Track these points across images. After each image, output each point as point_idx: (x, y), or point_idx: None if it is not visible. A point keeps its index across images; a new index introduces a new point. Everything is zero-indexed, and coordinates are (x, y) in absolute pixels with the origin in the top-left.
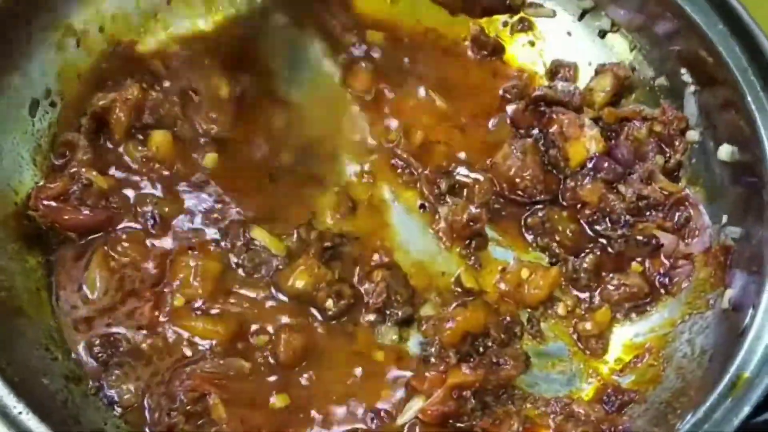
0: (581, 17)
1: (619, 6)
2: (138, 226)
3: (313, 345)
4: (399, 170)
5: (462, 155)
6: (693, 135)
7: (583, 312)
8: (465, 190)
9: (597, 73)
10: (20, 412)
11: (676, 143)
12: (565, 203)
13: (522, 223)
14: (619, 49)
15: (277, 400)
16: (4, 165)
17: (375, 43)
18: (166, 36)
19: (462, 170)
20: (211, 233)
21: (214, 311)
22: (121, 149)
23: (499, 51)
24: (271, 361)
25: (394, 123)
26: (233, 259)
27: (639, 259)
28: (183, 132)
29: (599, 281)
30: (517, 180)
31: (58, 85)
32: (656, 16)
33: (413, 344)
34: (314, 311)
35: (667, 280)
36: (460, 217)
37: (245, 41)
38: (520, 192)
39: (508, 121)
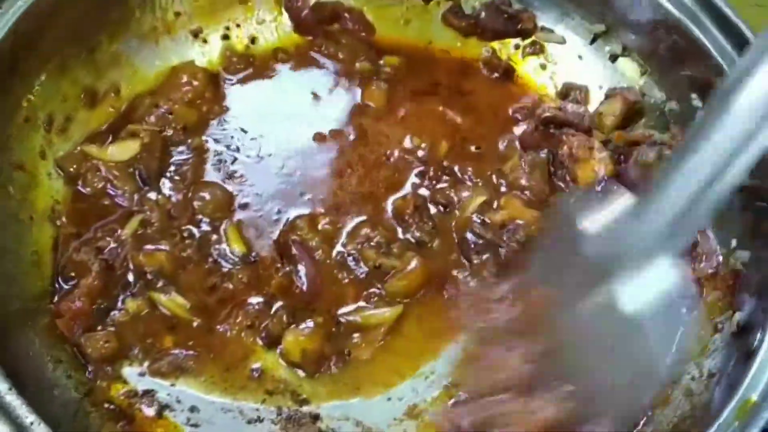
0: (593, 41)
1: (630, 31)
2: None
3: None
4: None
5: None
6: None
7: None
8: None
9: (607, 96)
10: (32, 423)
11: None
12: None
13: None
14: (630, 73)
15: None
16: None
17: (390, 63)
18: None
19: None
20: None
21: None
22: None
23: (510, 73)
24: None
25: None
26: None
27: None
28: None
29: None
30: (525, 188)
31: None
32: (666, 40)
33: None
34: None
35: None
36: None
37: None
38: None
39: (517, 143)
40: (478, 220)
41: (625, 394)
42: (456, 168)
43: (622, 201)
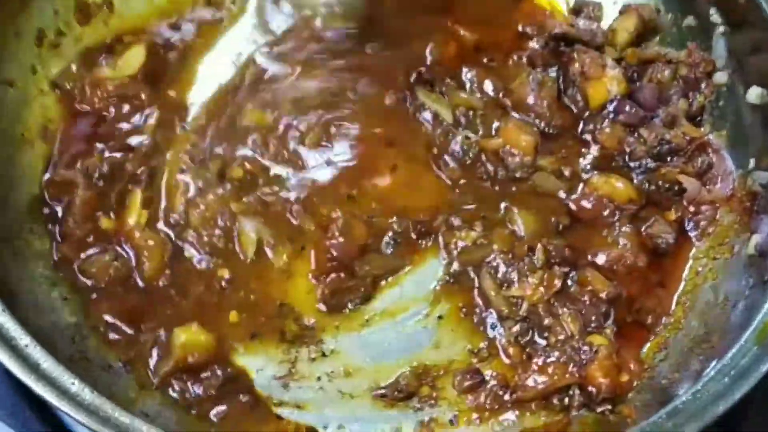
0: None
1: None
2: None
3: None
4: None
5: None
6: (721, 77)
7: None
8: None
9: (621, 12)
10: (26, 345)
11: (702, 86)
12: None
13: None
14: None
15: None
16: None
17: None
18: None
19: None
20: None
21: None
22: None
23: None
24: None
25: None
26: None
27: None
28: None
29: None
30: (531, 108)
31: None
32: None
33: None
34: None
35: (692, 225)
36: None
37: None
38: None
39: (525, 59)
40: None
41: None
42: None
43: None
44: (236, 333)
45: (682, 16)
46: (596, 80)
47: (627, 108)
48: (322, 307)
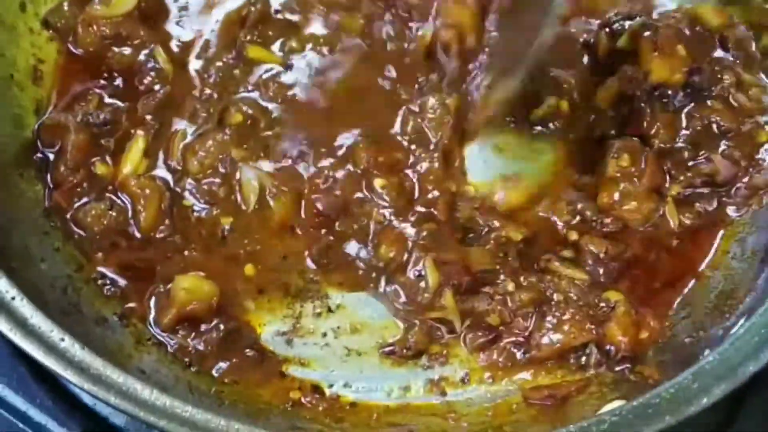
0: None
1: None
2: None
3: None
4: None
5: None
6: None
7: None
8: None
9: None
10: (13, 298)
11: None
12: None
13: None
14: None
15: None
16: None
17: None
18: None
19: None
20: None
21: None
22: None
23: None
24: None
25: None
26: None
27: None
28: None
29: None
30: None
31: None
32: None
33: None
34: None
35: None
36: None
37: None
38: None
39: None
40: None
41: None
42: None
43: None
44: (246, 288)
45: None
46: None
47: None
48: (311, 264)
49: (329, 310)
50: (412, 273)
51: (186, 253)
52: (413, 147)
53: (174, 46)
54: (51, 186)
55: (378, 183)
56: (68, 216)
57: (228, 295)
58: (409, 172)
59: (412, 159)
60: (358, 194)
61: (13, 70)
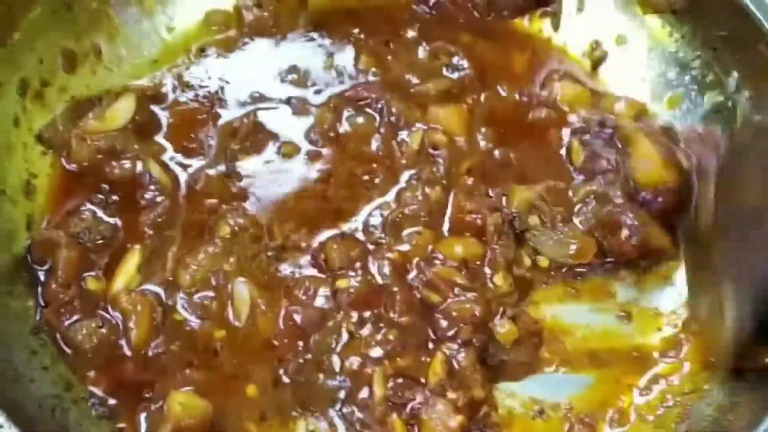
0: None
1: None
2: None
3: None
4: None
5: None
6: None
7: None
8: None
9: None
10: (1, 426)
11: None
12: None
13: None
14: None
15: None
16: None
17: None
18: None
19: None
20: None
21: None
22: None
23: None
24: None
25: None
26: None
27: None
28: None
29: None
30: None
31: None
32: None
33: None
34: None
35: None
36: None
37: None
38: None
39: None
40: None
41: None
42: None
43: None
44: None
45: None
46: None
47: None
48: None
49: None
50: None
51: (179, 372)
52: None
53: (167, 158)
54: (42, 303)
55: None
56: (58, 334)
57: (223, 412)
58: None
59: None
60: None
61: (5, 186)
